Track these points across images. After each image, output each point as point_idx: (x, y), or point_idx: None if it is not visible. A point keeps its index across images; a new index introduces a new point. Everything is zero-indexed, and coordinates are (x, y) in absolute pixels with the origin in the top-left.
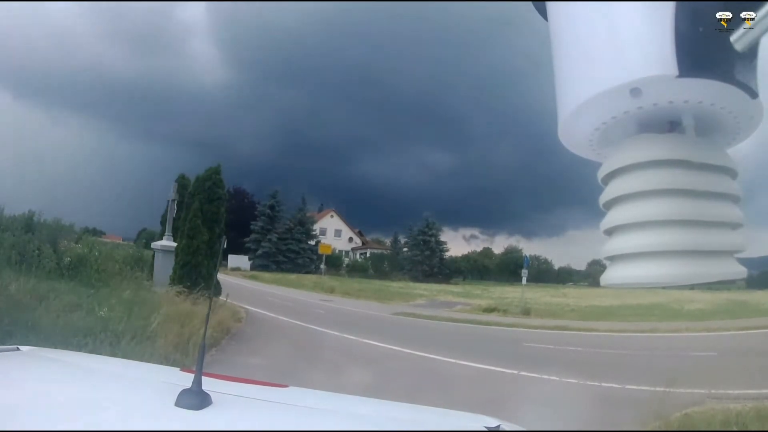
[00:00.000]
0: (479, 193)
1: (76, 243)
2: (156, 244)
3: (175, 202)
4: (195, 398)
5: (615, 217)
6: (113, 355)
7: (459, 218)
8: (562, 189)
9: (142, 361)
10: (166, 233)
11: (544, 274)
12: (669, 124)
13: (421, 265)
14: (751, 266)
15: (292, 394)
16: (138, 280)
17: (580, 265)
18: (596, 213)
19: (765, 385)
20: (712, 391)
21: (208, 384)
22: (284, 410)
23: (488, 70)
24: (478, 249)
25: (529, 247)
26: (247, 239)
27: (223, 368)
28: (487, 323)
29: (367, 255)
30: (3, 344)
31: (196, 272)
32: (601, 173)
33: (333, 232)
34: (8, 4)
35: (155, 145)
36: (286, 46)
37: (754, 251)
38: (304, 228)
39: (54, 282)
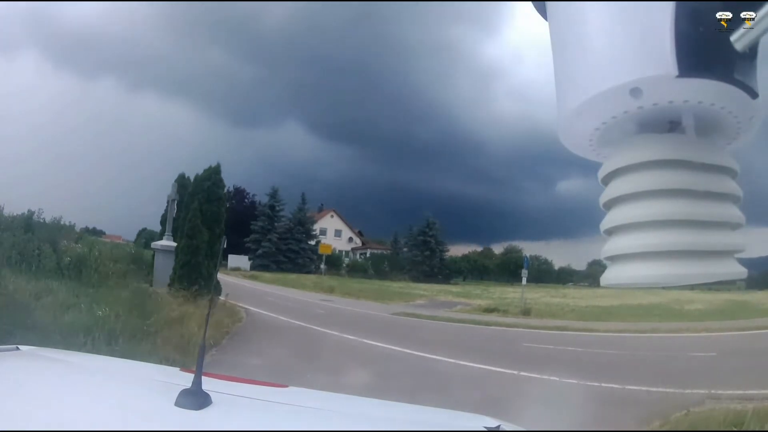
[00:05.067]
0: (480, 193)
1: (76, 243)
2: (156, 244)
3: (175, 201)
4: (195, 398)
5: (615, 217)
6: (112, 354)
7: (459, 218)
8: (561, 189)
9: (141, 360)
10: (166, 233)
11: (544, 274)
12: (669, 124)
13: (421, 266)
14: (751, 266)
15: (292, 394)
16: (138, 279)
17: (580, 265)
18: (596, 213)
19: (765, 385)
20: (712, 391)
21: (208, 384)
22: (284, 410)
23: (490, 72)
24: (479, 249)
25: (529, 247)
26: (247, 239)
27: (223, 368)
28: (487, 323)
29: (367, 255)
30: (3, 344)
31: (196, 272)
32: (601, 173)
33: (333, 232)
34: None
35: (156, 144)
36: (290, 43)
37: (754, 251)
38: (304, 228)
39: (54, 282)
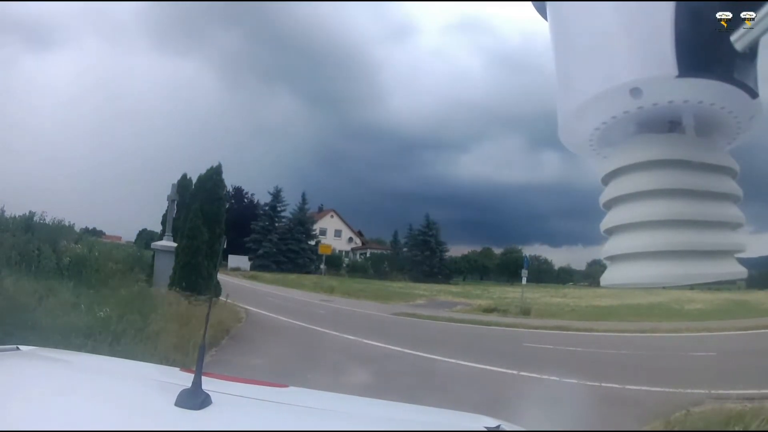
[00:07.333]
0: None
1: (76, 243)
2: (156, 244)
3: (175, 202)
4: (195, 398)
5: (615, 217)
6: (113, 355)
7: (461, 218)
8: (561, 189)
9: (142, 361)
10: (166, 233)
11: (544, 274)
12: (669, 124)
13: (421, 265)
14: (751, 266)
15: (292, 394)
16: (138, 280)
17: (580, 265)
18: (596, 213)
19: (765, 385)
20: (712, 391)
21: (208, 384)
22: (284, 410)
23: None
24: (479, 249)
25: (529, 248)
26: (247, 239)
27: (222, 368)
28: (487, 323)
29: (367, 255)
30: (3, 344)
31: (196, 272)
32: (601, 173)
33: (333, 232)
34: None
35: (156, 144)
36: (287, 46)
37: (754, 251)
38: (304, 228)
39: (54, 282)
